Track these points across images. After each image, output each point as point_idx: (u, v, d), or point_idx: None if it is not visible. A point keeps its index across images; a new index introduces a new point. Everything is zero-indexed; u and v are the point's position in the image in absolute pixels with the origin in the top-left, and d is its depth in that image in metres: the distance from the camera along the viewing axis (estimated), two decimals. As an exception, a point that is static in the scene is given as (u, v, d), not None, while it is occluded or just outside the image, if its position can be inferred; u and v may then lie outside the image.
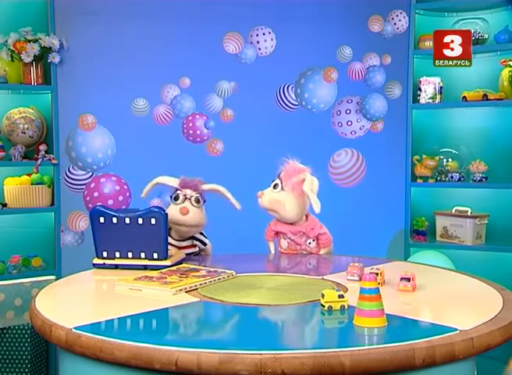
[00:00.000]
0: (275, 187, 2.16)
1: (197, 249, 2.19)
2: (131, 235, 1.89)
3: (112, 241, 1.92)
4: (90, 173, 3.08)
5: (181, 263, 1.94)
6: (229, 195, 2.13)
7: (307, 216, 2.21)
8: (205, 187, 2.13)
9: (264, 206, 2.19)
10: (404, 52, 3.33)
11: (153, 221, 1.87)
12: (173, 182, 2.14)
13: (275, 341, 1.28)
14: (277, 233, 2.25)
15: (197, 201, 2.09)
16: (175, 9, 3.13)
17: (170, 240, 2.09)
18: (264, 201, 2.17)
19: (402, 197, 3.37)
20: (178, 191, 2.10)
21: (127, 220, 1.88)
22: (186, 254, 2.12)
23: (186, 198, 2.08)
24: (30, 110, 3.07)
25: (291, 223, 2.20)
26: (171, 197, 2.11)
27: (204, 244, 2.21)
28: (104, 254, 1.93)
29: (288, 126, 3.23)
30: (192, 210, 2.07)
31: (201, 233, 2.21)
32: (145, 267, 1.89)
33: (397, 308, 1.41)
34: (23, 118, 3.02)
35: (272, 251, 2.28)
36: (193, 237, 2.17)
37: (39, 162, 2.95)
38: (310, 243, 2.21)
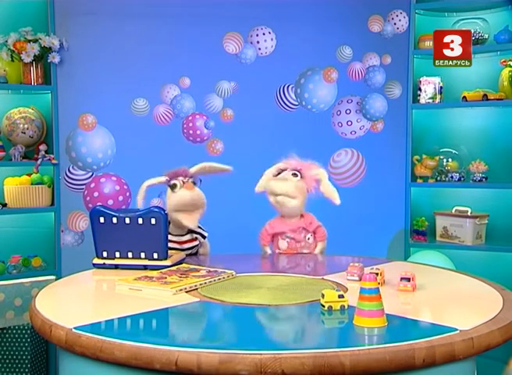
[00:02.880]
0: (294, 175, 2.16)
1: (197, 242, 2.20)
2: (131, 235, 1.89)
3: (112, 241, 1.92)
4: (90, 173, 3.08)
5: (181, 263, 1.95)
6: (217, 165, 2.17)
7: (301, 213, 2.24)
8: (193, 169, 2.18)
9: (285, 192, 2.14)
10: (404, 52, 3.33)
11: (153, 221, 1.87)
12: (161, 179, 2.16)
13: (275, 341, 1.28)
14: (273, 236, 2.24)
15: (194, 183, 2.12)
16: (175, 9, 3.12)
17: (170, 236, 2.08)
18: (289, 186, 2.14)
19: (402, 197, 3.36)
20: (172, 181, 2.11)
21: (127, 220, 1.89)
22: (189, 248, 2.14)
23: (183, 183, 2.10)
24: (30, 110, 3.07)
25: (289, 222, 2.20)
26: (169, 186, 2.12)
27: (204, 236, 2.22)
28: (104, 254, 1.93)
29: (288, 126, 3.23)
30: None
31: (199, 226, 2.21)
32: (145, 267, 1.89)
33: (397, 308, 1.41)
34: (23, 118, 3.02)
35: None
36: (192, 231, 2.18)
37: (39, 162, 2.95)
38: (308, 238, 2.23)
